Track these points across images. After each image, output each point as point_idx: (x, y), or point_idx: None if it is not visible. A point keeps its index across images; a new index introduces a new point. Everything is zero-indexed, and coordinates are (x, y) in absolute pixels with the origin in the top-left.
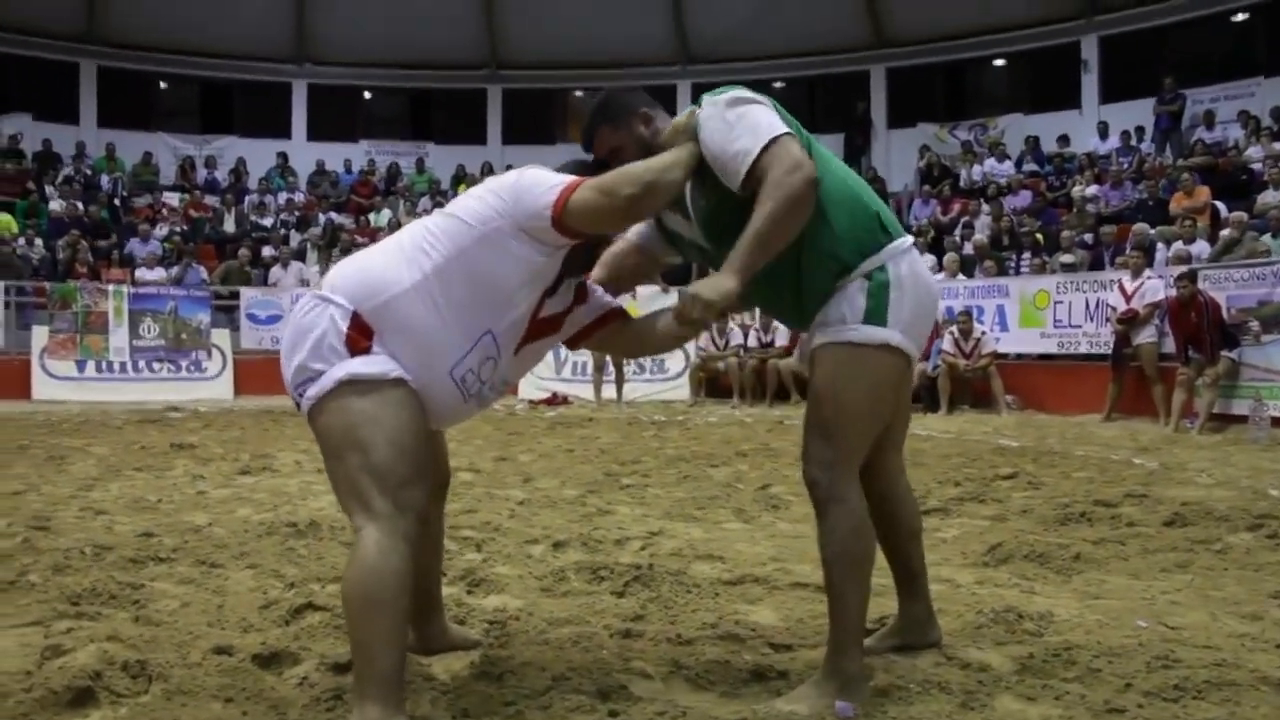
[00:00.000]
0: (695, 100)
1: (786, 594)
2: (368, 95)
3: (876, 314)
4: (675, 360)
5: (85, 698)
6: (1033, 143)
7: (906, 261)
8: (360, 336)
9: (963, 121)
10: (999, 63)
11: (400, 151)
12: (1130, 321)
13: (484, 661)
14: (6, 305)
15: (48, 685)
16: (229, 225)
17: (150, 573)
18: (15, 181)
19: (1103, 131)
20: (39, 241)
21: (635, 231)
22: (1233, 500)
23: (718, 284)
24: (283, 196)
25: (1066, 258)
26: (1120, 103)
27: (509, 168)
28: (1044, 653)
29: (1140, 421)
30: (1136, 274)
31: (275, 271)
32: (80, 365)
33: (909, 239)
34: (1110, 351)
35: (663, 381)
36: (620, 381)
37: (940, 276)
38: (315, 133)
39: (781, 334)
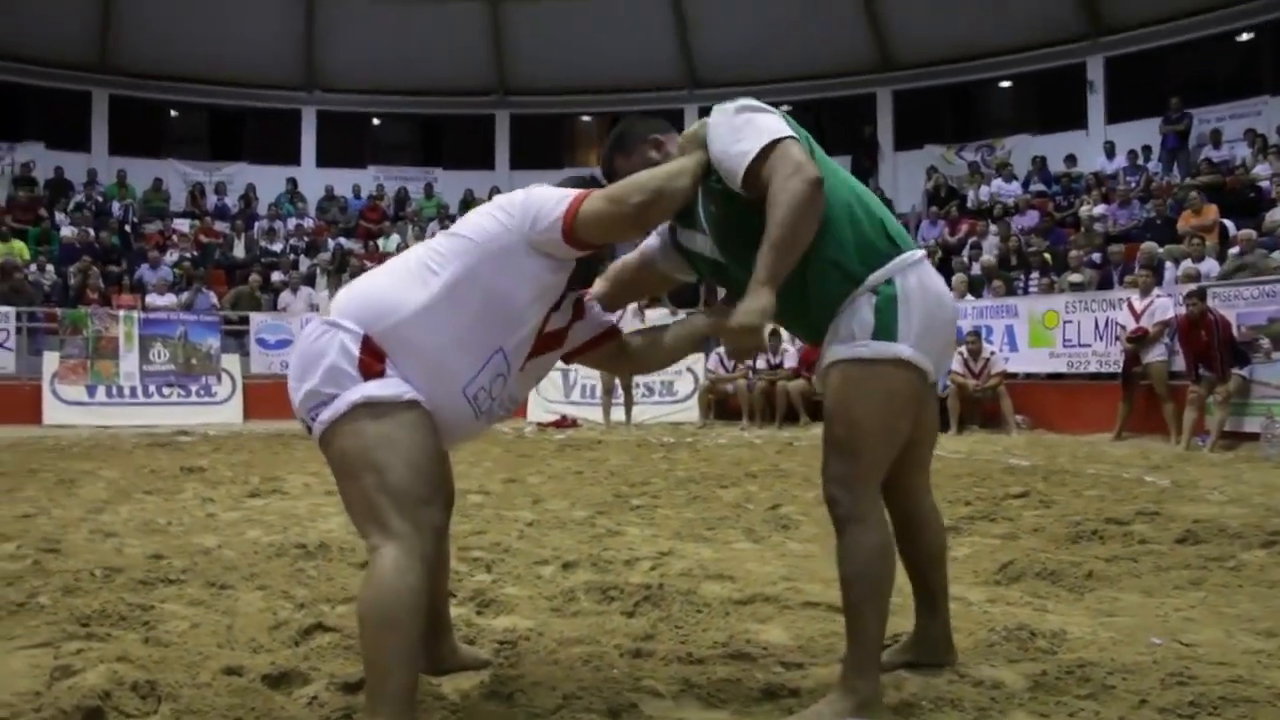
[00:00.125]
0: None
1: (797, 613)
2: (376, 121)
3: (885, 329)
4: (684, 382)
5: (95, 718)
6: (1040, 163)
7: (915, 274)
8: (373, 360)
9: (969, 143)
10: (1005, 84)
11: (409, 177)
12: (1140, 340)
13: (494, 681)
14: (18, 331)
15: (57, 705)
16: (239, 251)
17: (160, 594)
18: (28, 209)
19: (1109, 151)
20: (50, 268)
21: (642, 248)
22: (1245, 517)
23: (750, 306)
24: (292, 222)
25: (1075, 277)
26: (1126, 122)
27: None
28: (1057, 670)
29: (1151, 440)
30: (1145, 292)
31: (285, 296)
32: (91, 390)
33: (919, 252)
34: (1120, 370)
35: (671, 403)
36: (629, 404)
37: None
38: (324, 159)
39: (790, 356)
